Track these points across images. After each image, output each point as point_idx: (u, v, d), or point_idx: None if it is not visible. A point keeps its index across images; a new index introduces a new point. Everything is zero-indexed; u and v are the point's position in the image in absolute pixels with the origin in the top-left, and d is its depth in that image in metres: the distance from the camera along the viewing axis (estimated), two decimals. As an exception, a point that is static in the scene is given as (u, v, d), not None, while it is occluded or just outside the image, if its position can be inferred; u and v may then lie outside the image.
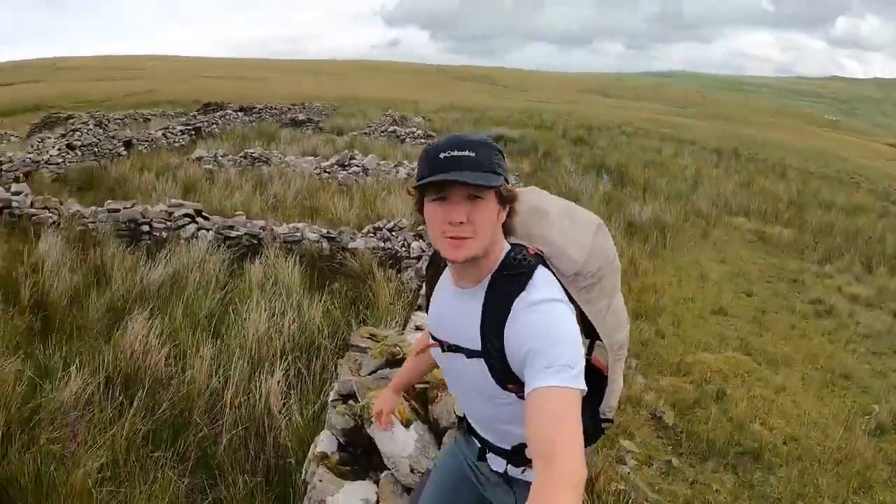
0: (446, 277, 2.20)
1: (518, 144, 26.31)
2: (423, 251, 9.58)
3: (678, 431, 6.41)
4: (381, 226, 10.25)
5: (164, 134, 21.05)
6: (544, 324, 1.82)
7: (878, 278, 14.61)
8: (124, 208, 10.40)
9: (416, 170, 2.00)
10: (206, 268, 8.53)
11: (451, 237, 1.88)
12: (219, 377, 5.67)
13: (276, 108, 30.58)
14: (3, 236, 10.08)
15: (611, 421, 2.36)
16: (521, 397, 1.88)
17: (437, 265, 2.34)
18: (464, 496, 2.58)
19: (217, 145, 20.10)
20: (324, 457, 3.81)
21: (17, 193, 11.68)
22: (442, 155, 1.86)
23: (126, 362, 5.83)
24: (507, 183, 1.92)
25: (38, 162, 16.03)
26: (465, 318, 2.02)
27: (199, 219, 10.29)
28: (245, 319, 6.67)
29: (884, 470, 6.42)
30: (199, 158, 17.55)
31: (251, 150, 18.16)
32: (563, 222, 2.16)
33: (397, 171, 17.35)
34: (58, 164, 16.59)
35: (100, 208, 10.61)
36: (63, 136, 17.98)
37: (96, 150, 18.27)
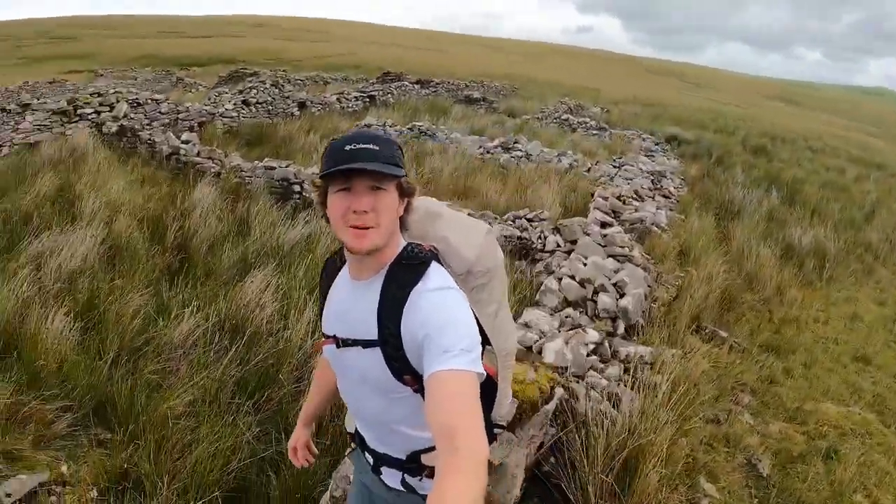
0: (342, 276, 2.23)
1: (692, 146, 25.31)
2: (559, 246, 9.30)
3: (770, 484, 5.51)
4: (522, 215, 10.03)
5: (338, 99, 21.52)
6: (440, 309, 1.88)
7: None
8: (279, 167, 10.70)
9: (321, 164, 2.02)
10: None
11: (354, 226, 1.93)
12: (313, 340, 5.76)
13: (453, 84, 30.60)
14: (167, 180, 10.58)
15: (503, 427, 2.50)
16: (417, 391, 1.99)
17: (329, 270, 2.34)
18: None
19: (387, 115, 20.38)
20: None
21: (186, 142, 12.27)
22: (347, 147, 1.92)
23: (237, 312, 6.08)
24: (406, 176, 2.01)
25: (213, 114, 16.77)
26: (363, 308, 2.05)
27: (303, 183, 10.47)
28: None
29: None
30: (367, 126, 17.81)
31: (419, 123, 18.28)
32: (456, 224, 2.27)
33: (559, 160, 17.02)
34: (232, 117, 17.31)
35: (258, 163, 10.96)
36: (240, 92, 18.68)
37: (270, 108, 18.89)
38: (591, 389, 4.88)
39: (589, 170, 16.68)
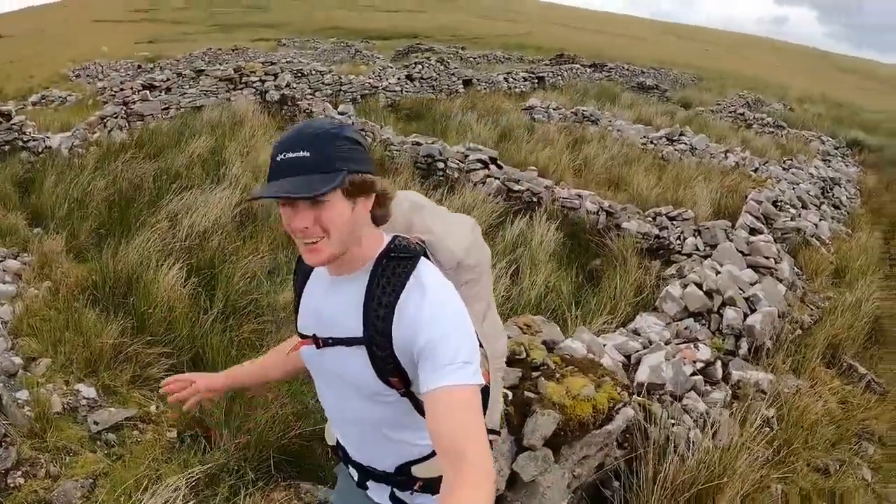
0: (318, 271, 2.06)
1: (875, 154, 23.76)
2: (698, 249, 8.90)
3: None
4: (664, 212, 9.66)
5: (505, 78, 21.51)
6: (439, 319, 1.75)
7: None
8: (426, 143, 10.79)
9: None
10: (474, 214, 8.52)
11: (304, 243, 1.80)
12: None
13: (628, 69, 30.09)
14: None
15: (497, 433, 2.24)
16: (404, 394, 1.87)
17: (303, 266, 2.13)
18: None
19: (554, 97, 20.16)
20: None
21: (342, 113, 12.54)
22: (279, 157, 1.75)
23: None
24: (359, 174, 1.75)
25: (376, 87, 17.09)
26: (345, 305, 1.90)
27: (491, 166, 10.43)
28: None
29: None
30: (530, 107, 17.73)
31: (583, 108, 18.04)
32: (441, 217, 2.10)
33: (726, 157, 16.40)
34: (395, 91, 17.59)
35: (407, 139, 11.09)
36: (405, 67, 18.99)
37: (434, 84, 19.08)
38: (684, 413, 4.56)
39: (756, 170, 15.99)
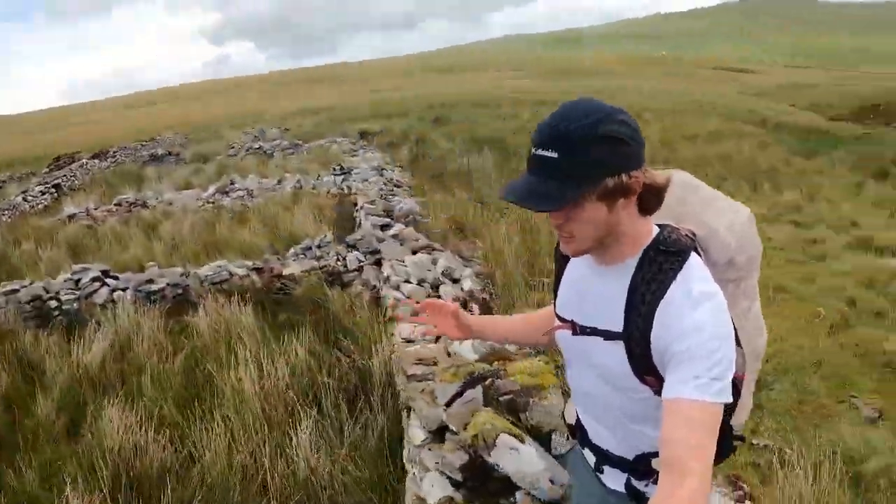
0: None
1: (388, 137, 26.09)
2: (361, 262, 9.20)
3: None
4: (311, 244, 9.80)
5: (24, 198, 19.62)
6: (703, 328, 1.64)
7: (766, 195, 16.57)
8: (23, 287, 9.44)
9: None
10: (145, 332, 7.65)
11: (560, 233, 1.78)
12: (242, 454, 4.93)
13: (129, 149, 28.96)
14: None
15: (742, 439, 2.14)
16: (658, 393, 1.75)
17: None
18: None
19: (84, 198, 18.82)
20: (448, 504, 3.41)
21: None
22: (533, 150, 1.67)
23: (122, 465, 4.96)
24: (622, 174, 1.64)
25: None
26: (607, 297, 1.83)
27: (108, 280, 9.47)
28: (234, 380, 5.90)
29: (854, 362, 7.40)
30: (70, 216, 16.38)
31: (124, 197, 17.04)
32: (715, 206, 1.97)
33: (282, 187, 16.78)
34: None
35: (-3, 291, 9.62)
36: None
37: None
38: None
39: (314, 187, 16.75)
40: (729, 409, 1.91)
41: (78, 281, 9.37)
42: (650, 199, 1.74)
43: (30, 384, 6.83)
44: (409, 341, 5.12)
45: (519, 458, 3.33)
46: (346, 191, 15.93)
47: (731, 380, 1.65)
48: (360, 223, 11.36)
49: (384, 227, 9.97)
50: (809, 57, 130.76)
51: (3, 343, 7.88)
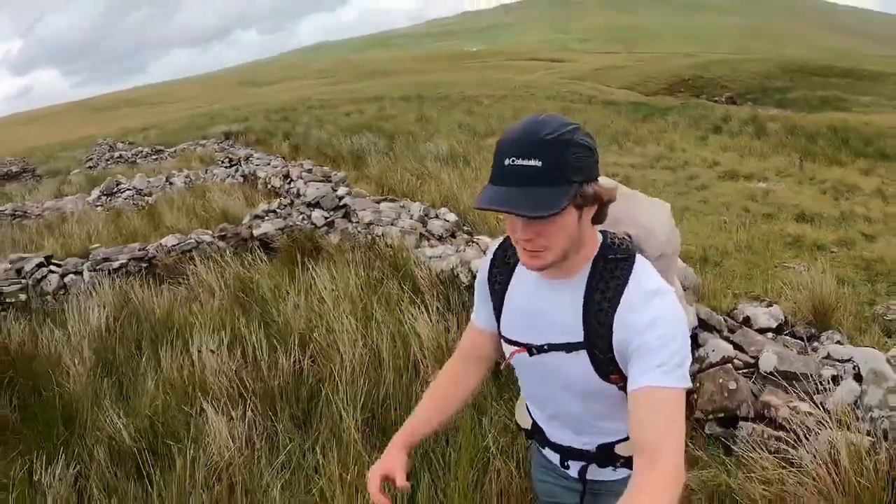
0: (524, 274, 1.96)
1: (252, 135, 25.57)
2: (327, 217, 9.21)
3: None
4: (271, 207, 9.67)
5: None
6: (663, 319, 1.72)
7: (633, 151, 19.45)
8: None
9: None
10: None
11: (525, 249, 1.74)
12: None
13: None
14: None
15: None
16: (623, 388, 1.82)
17: (499, 265, 2.07)
18: None
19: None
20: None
21: None
22: (506, 161, 1.63)
23: None
24: (591, 183, 1.68)
25: None
26: (562, 310, 1.85)
27: (52, 266, 8.51)
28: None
29: (770, 245, 9.94)
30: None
31: (2, 209, 15.61)
32: (641, 204, 2.10)
33: (173, 184, 15.92)
34: None
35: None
36: None
37: None
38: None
39: (204, 181, 16.17)
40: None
41: (20, 270, 8.36)
42: (604, 208, 1.78)
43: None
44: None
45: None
46: (251, 176, 15.31)
47: (688, 365, 1.72)
48: (298, 191, 10.95)
49: (334, 188, 10.11)
50: (616, 40, 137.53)
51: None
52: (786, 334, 4.42)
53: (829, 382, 3.63)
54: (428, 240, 7.75)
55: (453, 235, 8.04)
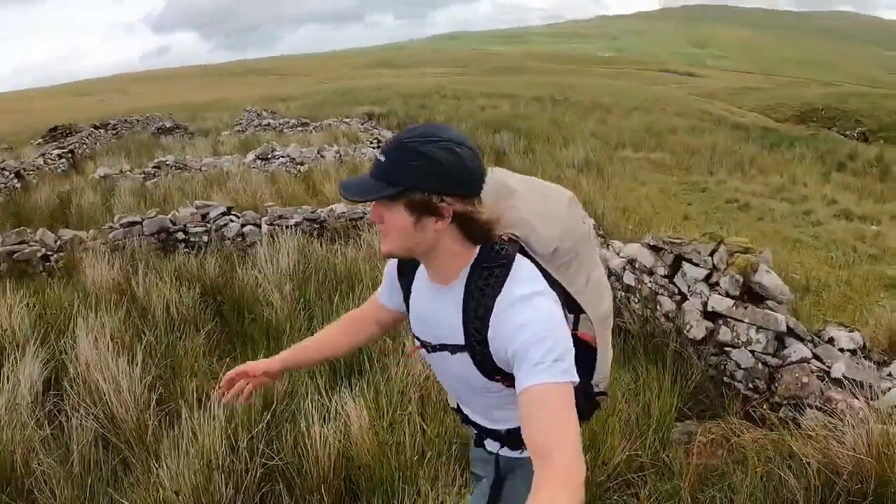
0: (421, 277, 2.10)
1: (393, 119, 26.30)
2: None
3: None
4: None
5: (44, 161, 19.09)
6: (529, 323, 1.78)
7: (756, 179, 18.88)
8: (146, 219, 9.33)
9: None
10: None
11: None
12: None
13: (128, 122, 28.47)
14: (12, 284, 7.44)
15: (605, 393, 2.34)
16: (510, 386, 1.88)
17: (403, 265, 2.22)
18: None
19: (112, 162, 18.36)
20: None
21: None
22: (378, 156, 1.86)
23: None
24: (425, 192, 1.77)
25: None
26: (446, 315, 1.97)
27: (231, 216, 9.44)
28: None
29: (869, 283, 10.11)
30: (103, 177, 15.95)
31: (163, 159, 16.72)
32: (532, 198, 2.08)
33: (322, 157, 16.76)
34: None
35: (112, 225, 9.45)
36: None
37: (-12, 186, 16.25)
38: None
39: (352, 157, 16.85)
40: (587, 371, 2.17)
41: (204, 216, 9.29)
42: (472, 229, 1.85)
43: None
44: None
45: None
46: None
47: (572, 359, 1.78)
48: None
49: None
50: (752, 60, 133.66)
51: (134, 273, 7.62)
52: (862, 357, 5.08)
53: (884, 393, 4.34)
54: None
55: (590, 238, 8.60)
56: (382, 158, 1.80)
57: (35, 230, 9.62)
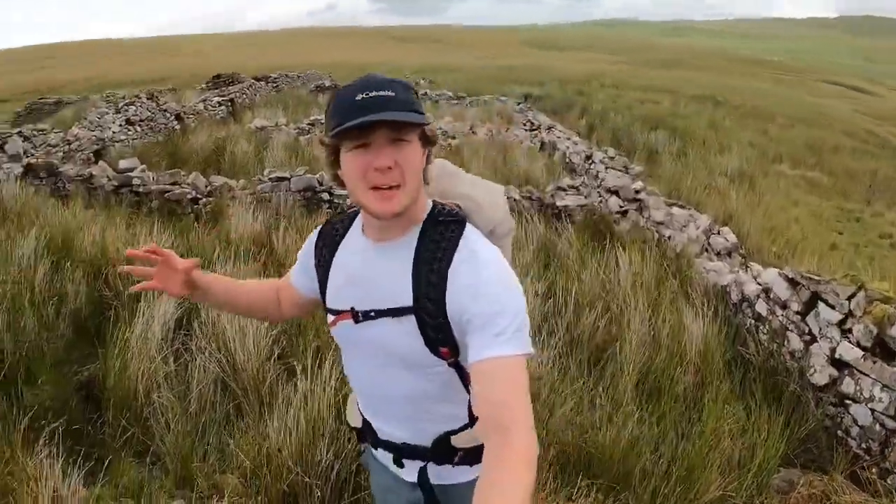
0: (352, 241, 1.98)
1: (545, 102, 26.00)
2: (622, 206, 9.57)
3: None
4: (574, 184, 10.35)
5: (204, 106, 19.77)
6: (496, 283, 1.73)
7: None
8: (294, 176, 9.43)
9: (325, 119, 1.81)
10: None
11: (377, 187, 1.71)
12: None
13: (290, 77, 29.29)
14: (160, 222, 8.12)
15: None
16: (451, 365, 1.83)
17: (327, 240, 2.06)
18: None
19: (270, 113, 18.88)
20: None
21: (129, 170, 10.49)
22: (359, 97, 1.67)
23: None
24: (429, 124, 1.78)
25: (102, 139, 14.81)
26: (391, 274, 1.84)
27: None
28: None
29: None
30: (259, 128, 16.34)
31: (319, 117, 16.98)
32: (478, 182, 2.11)
33: (474, 133, 16.92)
34: (121, 140, 15.40)
35: (262, 178, 9.61)
36: (118, 111, 16.56)
37: (152, 124, 17.04)
38: None
39: (503, 137, 16.81)
40: None
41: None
42: (429, 165, 1.85)
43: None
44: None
45: None
46: (550, 146, 15.83)
47: (528, 330, 1.72)
48: (597, 174, 11.60)
49: (633, 180, 10.36)
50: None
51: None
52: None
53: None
54: (707, 253, 8.05)
55: (729, 255, 8.24)
56: (388, 92, 1.67)
57: (188, 173, 10.04)
